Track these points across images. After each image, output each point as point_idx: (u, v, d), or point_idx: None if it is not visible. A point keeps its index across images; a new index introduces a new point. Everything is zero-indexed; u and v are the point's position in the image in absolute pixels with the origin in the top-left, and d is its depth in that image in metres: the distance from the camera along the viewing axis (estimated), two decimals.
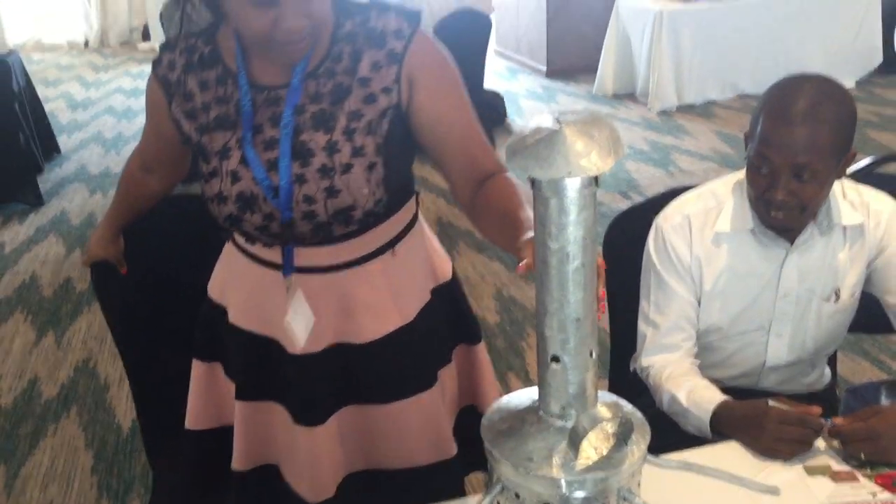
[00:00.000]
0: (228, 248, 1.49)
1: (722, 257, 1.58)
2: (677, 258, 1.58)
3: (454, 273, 1.56)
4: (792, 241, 1.55)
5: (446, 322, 1.51)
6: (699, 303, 1.61)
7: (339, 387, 1.42)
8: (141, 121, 6.85)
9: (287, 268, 1.36)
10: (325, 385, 1.41)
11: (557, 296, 0.88)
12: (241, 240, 1.42)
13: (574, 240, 0.85)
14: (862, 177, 1.87)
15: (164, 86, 1.38)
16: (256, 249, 1.40)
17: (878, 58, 6.70)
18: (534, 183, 0.84)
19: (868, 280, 1.62)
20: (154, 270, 1.76)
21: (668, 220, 1.60)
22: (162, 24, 5.70)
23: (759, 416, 1.34)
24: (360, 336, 1.40)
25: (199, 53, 1.35)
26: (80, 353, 3.38)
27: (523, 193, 1.27)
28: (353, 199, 1.28)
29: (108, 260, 1.70)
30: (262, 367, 1.44)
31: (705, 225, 1.58)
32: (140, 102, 7.55)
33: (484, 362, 1.58)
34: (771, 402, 1.36)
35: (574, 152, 0.80)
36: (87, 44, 10.66)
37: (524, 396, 1.00)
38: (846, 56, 6.59)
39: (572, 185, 0.83)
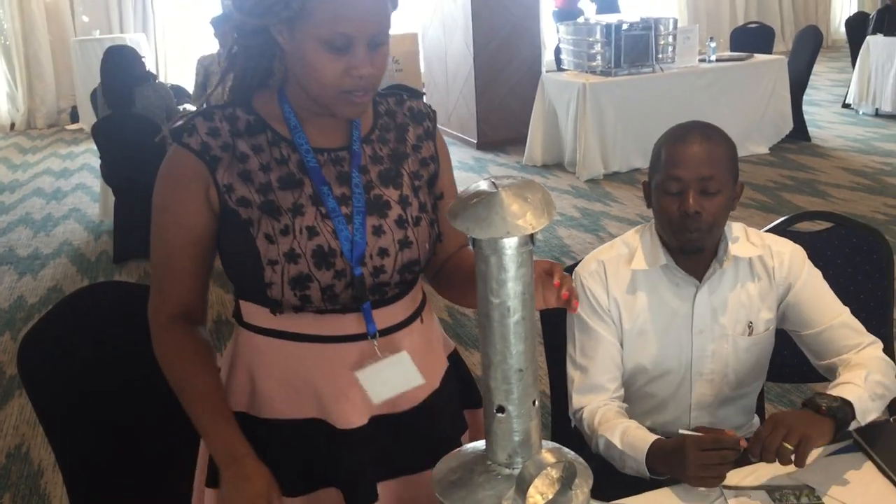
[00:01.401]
0: (246, 346, 1.40)
1: (638, 297, 1.69)
2: (596, 301, 1.69)
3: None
4: (700, 279, 1.67)
5: (458, 388, 1.53)
6: (622, 344, 1.70)
7: (378, 461, 1.38)
8: (71, 201, 6.65)
9: (370, 325, 1.34)
10: (371, 460, 1.37)
11: (500, 348, 0.94)
12: (275, 321, 1.35)
13: (514, 294, 0.92)
14: (777, 234, 1.99)
15: (203, 153, 1.30)
16: (302, 323, 1.34)
17: (788, 125, 7.08)
18: (474, 242, 0.91)
19: (783, 319, 1.73)
20: (83, 358, 1.67)
21: (584, 268, 1.73)
22: (94, 106, 5.69)
23: (681, 448, 1.41)
24: (397, 406, 1.39)
25: (245, 121, 1.33)
26: (12, 439, 3.28)
27: None
28: (419, 253, 1.37)
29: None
30: (311, 451, 1.38)
31: (619, 268, 1.70)
32: (70, 182, 7.47)
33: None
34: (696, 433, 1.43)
35: (511, 213, 0.87)
36: (13, 126, 10.54)
37: (472, 448, 1.05)
38: (759, 124, 6.95)
39: (510, 244, 0.90)
